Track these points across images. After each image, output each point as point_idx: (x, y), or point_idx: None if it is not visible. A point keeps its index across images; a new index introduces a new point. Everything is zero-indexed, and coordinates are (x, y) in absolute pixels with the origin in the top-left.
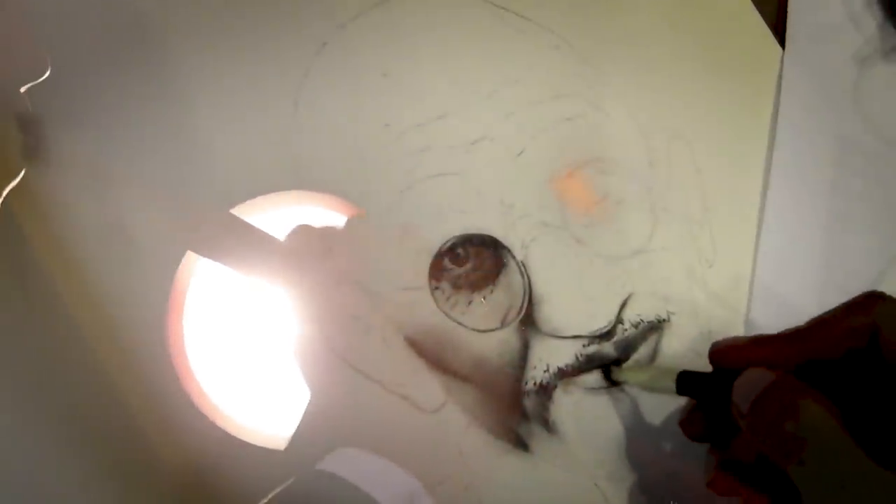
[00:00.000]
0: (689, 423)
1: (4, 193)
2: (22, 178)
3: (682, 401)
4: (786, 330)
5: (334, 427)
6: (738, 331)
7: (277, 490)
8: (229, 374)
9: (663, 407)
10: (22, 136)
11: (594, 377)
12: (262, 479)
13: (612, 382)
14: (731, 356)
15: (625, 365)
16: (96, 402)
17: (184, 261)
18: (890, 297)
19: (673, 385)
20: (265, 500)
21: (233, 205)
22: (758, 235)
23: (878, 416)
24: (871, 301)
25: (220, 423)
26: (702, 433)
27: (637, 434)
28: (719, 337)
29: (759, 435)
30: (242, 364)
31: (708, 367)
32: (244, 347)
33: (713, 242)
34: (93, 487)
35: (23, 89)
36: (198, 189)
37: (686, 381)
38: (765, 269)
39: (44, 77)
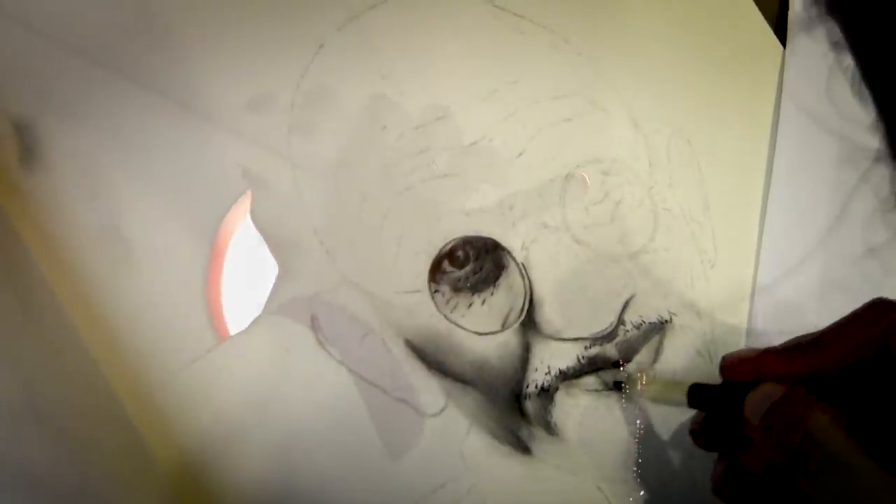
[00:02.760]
0: (700, 433)
1: None
2: (19, 182)
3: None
4: (795, 340)
5: (334, 431)
6: (741, 331)
7: None
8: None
9: (666, 409)
10: (17, 139)
11: (596, 380)
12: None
13: (618, 389)
14: (741, 369)
15: (634, 377)
16: (92, 409)
17: (182, 262)
18: None
19: (684, 398)
20: None
21: (228, 207)
22: (760, 235)
23: (887, 425)
24: (879, 310)
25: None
26: (712, 443)
27: (640, 436)
28: (721, 338)
29: (769, 446)
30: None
31: (714, 373)
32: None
33: (714, 242)
34: None
35: None
36: (194, 191)
37: (698, 394)
38: (767, 269)
39: None
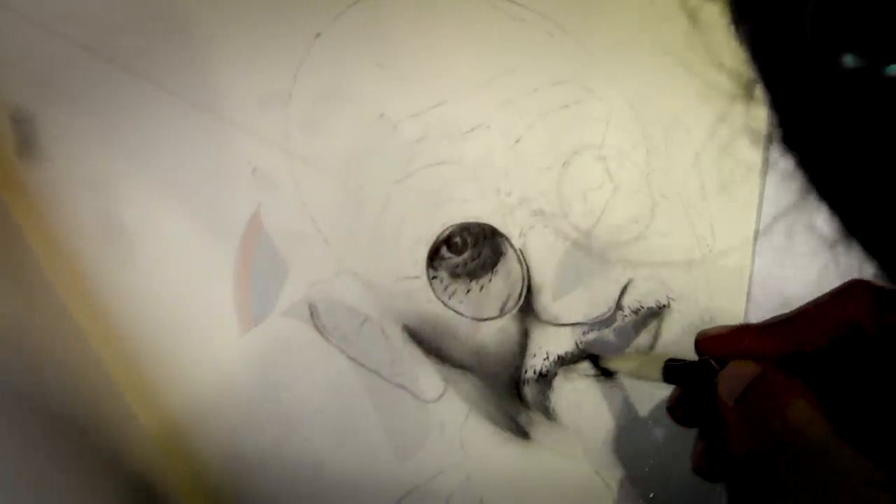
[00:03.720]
0: (676, 409)
1: None
2: (18, 175)
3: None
4: (772, 319)
5: (332, 418)
6: (739, 316)
7: None
8: None
9: (663, 393)
10: (16, 131)
11: (593, 365)
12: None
13: (601, 371)
14: (716, 346)
15: (611, 354)
16: (92, 404)
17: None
18: (875, 286)
19: (660, 374)
20: None
21: (227, 200)
22: (758, 220)
23: (860, 405)
24: (855, 290)
25: None
26: (690, 419)
27: (638, 420)
28: (721, 322)
29: (746, 430)
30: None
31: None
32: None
33: (712, 228)
34: None
35: None
36: (193, 184)
37: (673, 371)
38: (765, 254)
39: None
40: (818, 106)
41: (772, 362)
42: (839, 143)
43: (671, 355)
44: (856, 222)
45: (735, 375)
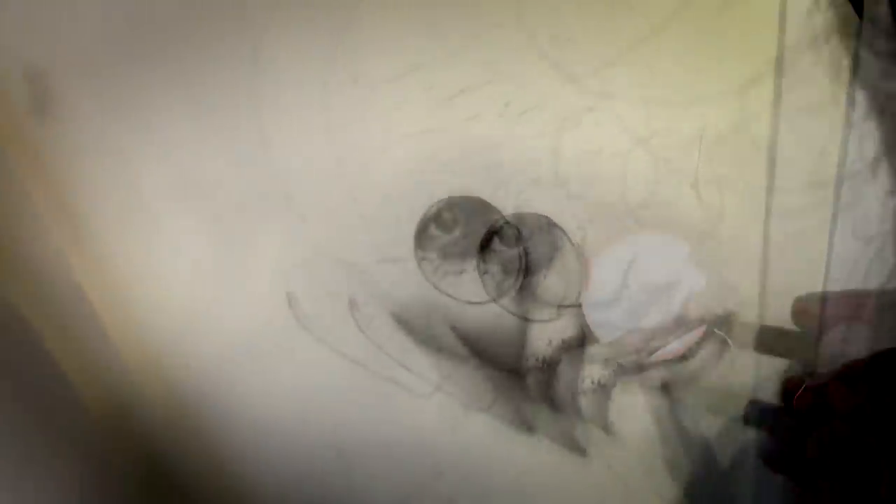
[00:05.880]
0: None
1: None
2: (29, 137)
3: None
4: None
5: (317, 416)
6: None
7: None
8: None
9: None
10: (29, 89)
11: (656, 376)
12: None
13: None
14: (805, 396)
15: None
16: (97, 383)
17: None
18: None
19: (739, 412)
20: None
21: (236, 166)
22: (833, 217)
23: None
24: None
25: None
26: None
27: (702, 437)
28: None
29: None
30: None
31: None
32: None
33: (784, 227)
34: None
35: None
36: (210, 148)
37: (755, 413)
38: (839, 254)
39: None
40: None
41: (862, 420)
42: None
43: (750, 389)
44: None
45: (825, 436)
